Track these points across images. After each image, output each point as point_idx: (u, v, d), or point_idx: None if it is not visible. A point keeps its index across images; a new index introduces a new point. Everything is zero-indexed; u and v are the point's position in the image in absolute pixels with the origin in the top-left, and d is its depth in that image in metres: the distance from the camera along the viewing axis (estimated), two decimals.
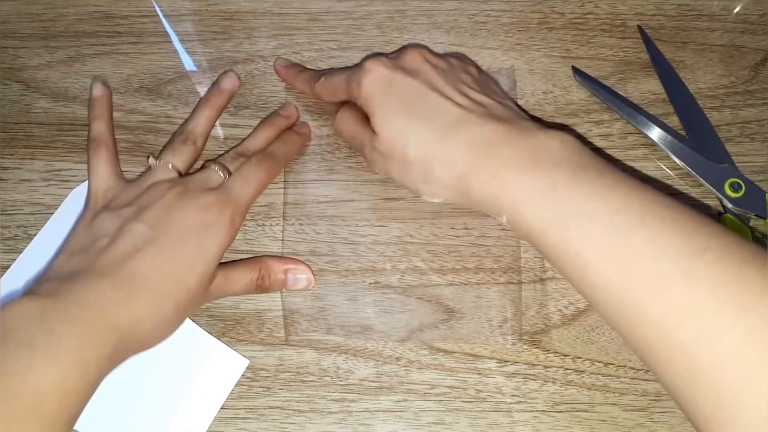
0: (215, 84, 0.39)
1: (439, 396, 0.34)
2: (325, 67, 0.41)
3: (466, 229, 0.37)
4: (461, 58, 0.36)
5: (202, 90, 0.40)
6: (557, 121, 0.39)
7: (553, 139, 0.29)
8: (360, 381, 0.34)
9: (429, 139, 0.31)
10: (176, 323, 0.32)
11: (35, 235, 0.37)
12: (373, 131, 0.32)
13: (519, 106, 0.34)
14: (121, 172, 0.37)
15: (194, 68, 0.41)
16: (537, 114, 0.39)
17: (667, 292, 0.25)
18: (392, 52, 0.35)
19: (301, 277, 0.36)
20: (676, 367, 0.25)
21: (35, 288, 0.30)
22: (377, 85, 0.32)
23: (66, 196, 0.38)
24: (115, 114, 0.40)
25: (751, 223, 0.36)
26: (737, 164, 0.37)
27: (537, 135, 0.30)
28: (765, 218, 0.36)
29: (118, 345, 0.29)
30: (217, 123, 0.39)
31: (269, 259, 0.36)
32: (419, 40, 0.41)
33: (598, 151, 0.38)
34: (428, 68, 0.33)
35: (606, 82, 0.40)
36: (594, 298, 0.28)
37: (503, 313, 0.35)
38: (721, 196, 0.36)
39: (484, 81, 0.35)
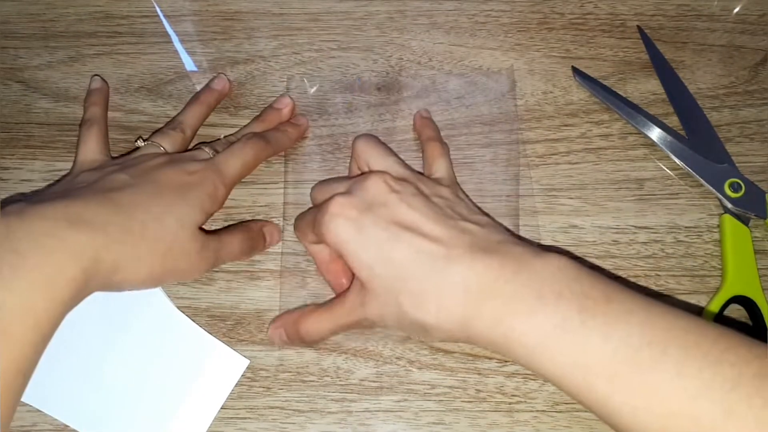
0: (207, 84, 0.40)
1: (439, 396, 0.34)
2: (325, 67, 0.41)
3: None
4: (434, 182, 0.33)
5: None
6: (557, 121, 0.39)
7: (550, 266, 0.27)
8: (360, 381, 0.34)
9: (418, 287, 0.28)
10: (155, 267, 0.30)
11: None
12: (355, 294, 0.30)
13: (493, 220, 0.32)
14: (109, 151, 0.37)
15: (194, 68, 0.41)
16: (537, 114, 0.39)
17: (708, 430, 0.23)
18: (352, 179, 0.32)
19: (272, 230, 0.37)
20: None
21: (1, 211, 0.28)
22: (346, 231, 0.29)
23: None
24: (115, 114, 0.40)
25: (751, 224, 0.36)
26: (737, 164, 0.37)
27: (532, 264, 0.28)
28: (765, 218, 0.36)
29: (91, 266, 0.27)
30: (218, 123, 0.39)
31: (248, 222, 0.37)
32: (419, 40, 0.41)
33: (602, 151, 0.38)
34: (395, 199, 0.30)
35: (606, 83, 0.40)
36: None
37: None
38: (720, 196, 0.36)
39: (459, 201, 0.32)
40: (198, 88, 0.40)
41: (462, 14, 0.42)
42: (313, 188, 0.35)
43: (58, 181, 0.37)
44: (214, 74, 0.40)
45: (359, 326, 0.31)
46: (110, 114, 0.40)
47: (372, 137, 0.35)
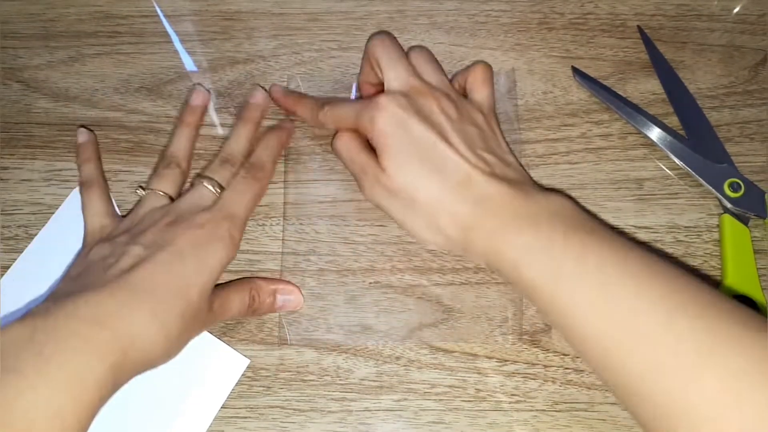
0: (185, 103, 0.39)
1: (439, 395, 0.34)
2: (325, 67, 0.41)
3: None
4: (473, 106, 0.36)
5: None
6: (556, 121, 0.39)
7: (552, 202, 0.32)
8: (360, 380, 0.34)
9: (439, 189, 0.32)
10: (181, 340, 0.30)
11: (36, 235, 0.37)
12: (380, 166, 0.33)
13: (518, 161, 0.35)
14: (115, 210, 0.37)
15: (194, 68, 0.41)
16: (537, 114, 0.39)
17: (650, 344, 0.27)
18: (409, 79, 0.34)
19: (289, 297, 0.35)
20: (656, 414, 0.26)
21: (29, 311, 0.28)
22: (391, 124, 0.33)
23: (66, 196, 0.38)
24: (115, 114, 0.40)
25: (750, 223, 0.36)
26: (736, 164, 0.37)
27: (537, 198, 0.32)
28: (764, 218, 0.36)
29: (118, 360, 0.27)
30: (217, 123, 0.40)
31: (259, 279, 0.35)
32: (419, 40, 0.41)
33: (602, 151, 0.38)
34: (442, 119, 0.33)
35: (606, 83, 0.40)
36: (582, 349, 0.29)
37: (503, 313, 0.35)
38: (720, 196, 0.37)
39: (491, 134, 0.35)
40: (198, 88, 0.40)
41: (462, 14, 0.42)
42: (325, 110, 0.36)
43: (75, 258, 0.36)
44: (220, 72, 0.40)
45: (363, 187, 0.35)
46: (111, 114, 0.40)
47: (388, 38, 0.36)
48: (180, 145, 0.37)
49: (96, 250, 0.32)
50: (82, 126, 0.39)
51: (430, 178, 0.32)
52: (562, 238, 0.30)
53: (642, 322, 0.27)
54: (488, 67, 0.37)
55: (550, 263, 0.29)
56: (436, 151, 0.32)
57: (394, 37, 0.37)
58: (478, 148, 0.33)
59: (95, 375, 0.26)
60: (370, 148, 0.34)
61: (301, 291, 0.36)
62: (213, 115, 0.40)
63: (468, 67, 0.37)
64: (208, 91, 0.39)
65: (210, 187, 0.35)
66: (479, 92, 0.36)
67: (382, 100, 0.33)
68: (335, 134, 0.36)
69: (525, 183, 0.33)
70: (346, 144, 0.35)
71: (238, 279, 0.35)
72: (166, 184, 0.36)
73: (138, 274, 0.29)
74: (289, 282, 0.36)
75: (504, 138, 0.36)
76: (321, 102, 0.37)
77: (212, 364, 0.34)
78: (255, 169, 0.36)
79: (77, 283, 0.30)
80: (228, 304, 0.33)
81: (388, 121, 0.33)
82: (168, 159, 0.37)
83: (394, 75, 0.34)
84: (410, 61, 0.36)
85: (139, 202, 0.35)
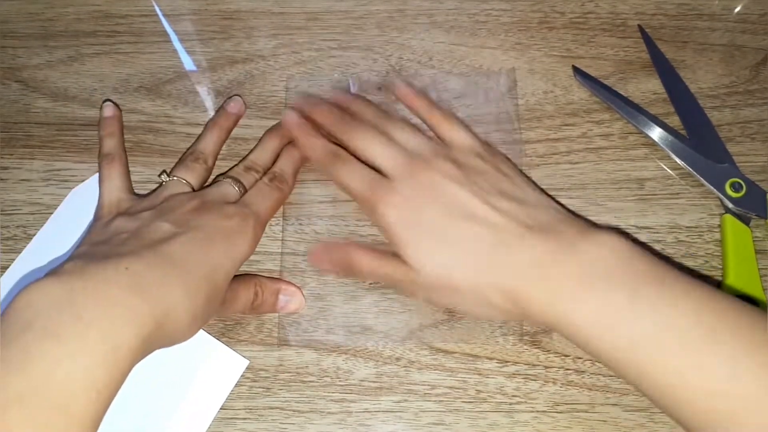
0: (222, 107, 0.39)
1: (440, 396, 0.34)
2: (324, 66, 0.41)
3: None
4: (467, 152, 0.33)
5: (201, 90, 0.40)
6: (557, 121, 0.39)
7: (603, 248, 0.28)
8: (360, 381, 0.34)
9: (473, 267, 0.30)
10: (202, 321, 0.30)
11: (35, 235, 0.37)
12: (405, 263, 0.31)
13: (543, 191, 0.32)
14: (133, 188, 0.36)
15: (194, 68, 0.41)
16: (537, 114, 0.39)
17: (758, 412, 0.24)
18: (396, 162, 0.33)
19: (291, 299, 0.35)
20: None
21: (58, 269, 0.27)
22: (398, 216, 0.31)
23: (65, 196, 0.38)
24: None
25: (752, 223, 0.36)
26: (738, 164, 0.37)
27: (583, 246, 0.28)
28: (766, 218, 0.36)
29: (151, 333, 0.26)
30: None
31: (263, 277, 0.35)
32: (419, 39, 0.41)
33: (603, 151, 0.38)
34: (450, 189, 0.31)
35: (606, 82, 0.40)
36: (676, 413, 0.27)
37: None
38: (721, 195, 0.36)
39: (500, 175, 0.33)
40: (197, 87, 0.40)
41: (462, 13, 0.42)
42: (335, 171, 0.34)
43: (90, 225, 0.36)
44: (220, 71, 0.40)
45: (404, 291, 0.33)
46: None
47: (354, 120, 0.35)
48: (209, 143, 0.37)
49: (119, 222, 0.32)
50: (108, 100, 0.39)
51: (459, 258, 0.30)
52: (626, 297, 0.27)
53: (741, 391, 0.25)
54: (440, 110, 0.36)
55: (621, 330, 0.27)
56: (455, 226, 0.30)
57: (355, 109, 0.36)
58: (500, 200, 0.31)
59: (130, 345, 0.25)
60: (385, 253, 0.33)
61: (303, 293, 0.36)
62: (212, 115, 0.40)
63: (425, 118, 0.36)
64: (245, 103, 0.39)
65: (234, 186, 0.35)
66: (456, 134, 0.35)
67: (386, 197, 0.31)
68: (351, 256, 0.33)
69: (560, 224, 0.30)
70: (367, 261, 0.33)
71: (242, 274, 0.35)
72: (192, 176, 0.35)
73: (172, 247, 0.29)
74: (291, 283, 0.36)
75: (514, 167, 0.34)
76: (333, 150, 0.35)
77: (212, 365, 0.34)
78: (278, 179, 0.36)
79: (104, 248, 0.29)
80: (235, 298, 0.33)
81: (393, 212, 0.31)
82: (196, 153, 0.37)
83: (381, 158, 0.33)
84: (384, 131, 0.34)
85: (161, 186, 0.35)
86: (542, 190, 0.32)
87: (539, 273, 0.28)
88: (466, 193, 0.31)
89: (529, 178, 0.33)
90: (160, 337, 0.27)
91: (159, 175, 0.36)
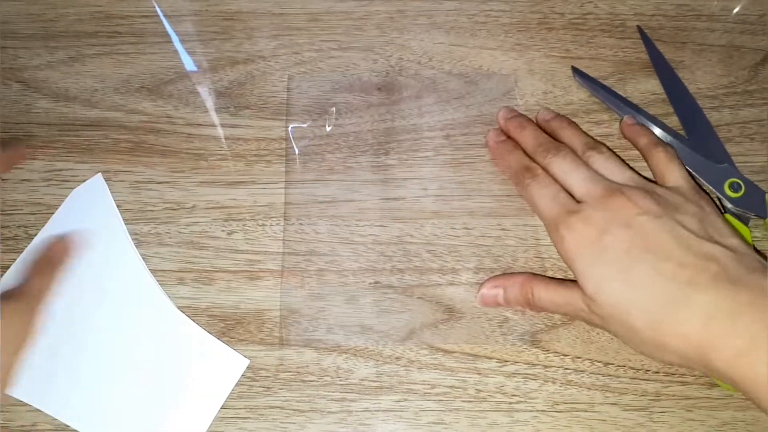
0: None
1: (439, 396, 0.34)
2: (324, 66, 0.41)
3: (466, 229, 0.37)
4: (672, 192, 0.31)
5: (202, 90, 0.40)
6: None
7: None
8: (360, 381, 0.34)
9: (654, 309, 0.28)
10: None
11: (35, 235, 0.37)
12: (582, 290, 0.30)
13: (742, 240, 0.30)
14: None
15: (194, 68, 0.41)
16: (537, 114, 0.39)
17: None
18: (593, 189, 0.31)
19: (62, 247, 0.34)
20: None
21: None
22: (583, 246, 0.30)
23: (66, 196, 0.38)
24: (115, 114, 0.40)
25: (751, 223, 0.36)
26: (737, 164, 0.37)
27: None
28: (765, 218, 0.36)
29: None
30: (217, 123, 0.40)
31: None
32: (419, 40, 0.41)
33: None
34: (642, 221, 0.29)
35: (606, 83, 0.40)
36: None
37: (503, 313, 0.35)
38: (720, 195, 0.36)
39: (705, 217, 0.30)
40: (198, 88, 0.40)
41: (462, 14, 0.42)
42: (524, 187, 0.34)
43: None
44: (221, 72, 0.40)
45: (584, 320, 0.32)
46: (111, 114, 0.40)
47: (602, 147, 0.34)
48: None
49: None
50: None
51: (641, 298, 0.28)
52: None
53: None
54: (667, 148, 0.34)
55: None
56: (642, 265, 0.28)
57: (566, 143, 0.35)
58: (697, 242, 0.28)
59: None
60: (558, 282, 0.32)
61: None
62: (213, 116, 0.40)
63: (646, 151, 0.35)
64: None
65: None
66: (671, 174, 0.33)
67: (572, 218, 0.30)
68: (526, 289, 0.33)
69: (763, 279, 0.27)
70: (545, 292, 0.32)
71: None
72: None
73: None
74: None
75: (721, 216, 0.31)
76: (526, 165, 0.35)
77: (212, 364, 0.34)
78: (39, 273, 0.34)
79: None
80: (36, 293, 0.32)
81: (579, 242, 0.30)
82: None
83: (577, 186, 0.32)
84: (588, 160, 0.33)
85: None
86: (743, 239, 0.30)
87: (729, 326, 0.26)
88: (659, 228, 0.29)
89: (732, 226, 0.31)
90: None
91: None
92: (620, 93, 0.39)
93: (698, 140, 0.38)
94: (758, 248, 0.36)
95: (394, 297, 0.36)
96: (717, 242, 0.29)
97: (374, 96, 0.40)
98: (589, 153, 0.34)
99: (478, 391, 0.34)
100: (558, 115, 0.38)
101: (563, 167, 0.33)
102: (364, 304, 0.36)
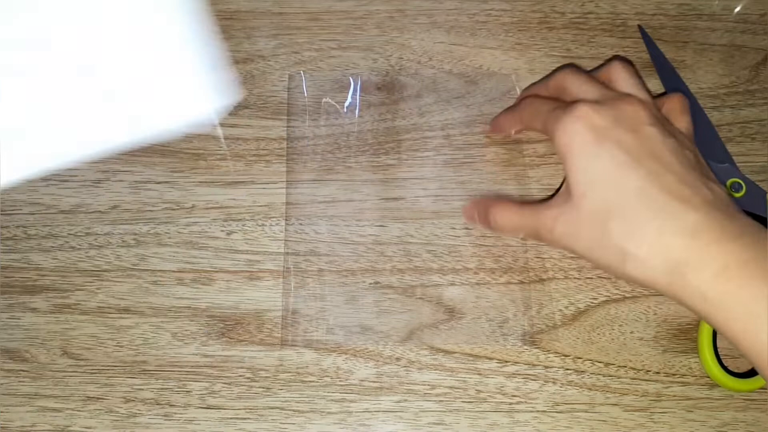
0: None
1: (440, 396, 0.34)
2: (324, 66, 0.41)
3: (466, 229, 0.37)
4: (679, 131, 0.31)
5: None
6: None
7: None
8: (360, 381, 0.34)
9: (640, 217, 0.27)
10: None
11: (35, 235, 0.37)
12: (565, 191, 0.29)
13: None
14: None
15: None
16: None
17: None
18: (611, 92, 0.31)
19: None
20: None
21: None
22: (586, 136, 0.28)
23: (66, 196, 0.38)
24: None
25: None
26: (738, 164, 0.37)
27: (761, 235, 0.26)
28: (765, 218, 0.36)
29: None
30: (217, 123, 0.39)
31: None
32: (419, 39, 0.41)
33: None
34: (650, 131, 0.28)
35: None
36: None
37: (503, 314, 0.35)
38: None
39: (704, 162, 0.30)
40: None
41: (462, 13, 0.42)
42: (560, 73, 0.33)
43: None
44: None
45: (540, 237, 0.31)
46: None
47: (631, 66, 0.33)
48: None
49: None
50: None
51: (630, 201, 0.27)
52: None
53: None
54: (684, 98, 0.33)
55: None
56: (641, 167, 0.27)
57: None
58: (696, 171, 0.28)
59: None
60: (527, 203, 0.32)
61: None
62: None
63: (661, 97, 0.34)
64: None
65: None
66: (680, 121, 0.32)
67: (581, 107, 0.29)
68: (489, 210, 0.33)
69: (751, 225, 0.27)
70: (507, 213, 0.32)
71: None
72: None
73: None
74: None
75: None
76: (522, 102, 0.35)
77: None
78: None
79: None
80: None
81: (583, 131, 0.28)
82: None
83: (589, 89, 0.31)
84: (609, 76, 0.32)
85: None
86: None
87: (717, 244, 0.26)
88: (667, 145, 0.28)
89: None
90: None
91: None
92: None
93: (699, 140, 0.37)
94: None
95: (394, 297, 0.36)
96: (712, 180, 0.29)
97: (374, 95, 0.40)
98: (610, 65, 0.33)
99: (479, 391, 0.34)
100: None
101: (575, 82, 0.32)
102: (364, 304, 0.36)
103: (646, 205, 0.27)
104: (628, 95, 0.30)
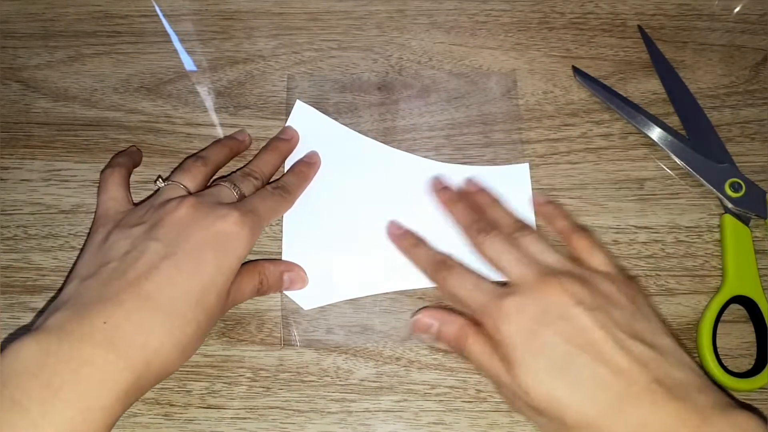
0: (232, 134, 0.39)
1: (439, 396, 0.34)
2: (324, 66, 0.41)
3: None
4: (602, 277, 0.31)
5: (201, 90, 0.40)
6: (557, 121, 0.39)
7: (737, 429, 0.25)
8: (360, 381, 0.34)
9: (591, 411, 0.27)
10: (197, 344, 0.30)
11: (35, 235, 0.37)
12: (516, 379, 0.28)
13: (672, 340, 0.29)
14: (131, 200, 0.35)
15: (194, 68, 0.41)
16: (537, 114, 0.39)
17: None
18: (525, 275, 0.30)
19: (295, 276, 0.35)
20: None
21: (43, 321, 0.27)
22: (519, 336, 0.28)
23: (66, 196, 0.38)
24: (114, 114, 0.40)
25: (751, 223, 0.36)
26: (737, 164, 0.37)
27: (717, 423, 0.25)
28: (765, 218, 0.36)
29: (133, 382, 0.26)
30: (217, 123, 0.39)
31: (265, 262, 0.35)
32: (419, 39, 0.41)
33: (603, 151, 0.38)
34: (577, 313, 0.28)
35: (606, 82, 0.40)
36: None
37: None
38: (721, 195, 0.36)
39: (634, 308, 0.30)
40: (198, 87, 0.40)
41: (462, 14, 0.42)
42: (446, 283, 0.32)
43: (86, 239, 0.35)
44: (220, 71, 0.40)
45: (504, 397, 0.31)
46: (110, 114, 0.40)
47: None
48: (213, 151, 0.37)
49: (112, 239, 0.31)
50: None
51: (577, 398, 0.27)
52: None
53: None
54: (588, 233, 0.33)
55: None
56: (578, 362, 0.27)
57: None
58: (632, 343, 0.28)
59: (104, 404, 0.26)
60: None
61: (304, 271, 0.36)
62: (212, 115, 0.40)
63: (569, 235, 0.34)
64: (249, 135, 0.39)
65: (232, 190, 0.33)
66: (597, 260, 0.32)
67: (506, 305, 0.29)
68: (464, 337, 0.31)
69: (694, 391, 0.27)
70: (477, 351, 0.30)
71: (246, 263, 0.34)
72: (189, 179, 0.34)
73: (156, 281, 0.28)
74: (294, 264, 0.36)
75: (651, 307, 0.31)
76: (438, 259, 0.33)
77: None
78: (281, 188, 0.35)
79: (91, 286, 0.29)
80: (241, 290, 0.33)
81: (515, 331, 0.28)
82: (195, 157, 0.36)
83: (509, 269, 0.31)
84: (518, 242, 0.32)
85: (157, 192, 0.34)
86: (677, 341, 0.29)
87: None
88: (594, 323, 0.28)
89: (665, 324, 0.30)
90: (146, 380, 0.28)
91: (154, 181, 0.35)
92: (621, 93, 0.39)
93: (699, 140, 0.38)
94: (758, 249, 0.36)
95: (393, 297, 0.36)
96: (654, 345, 0.28)
97: (374, 96, 0.40)
98: (518, 234, 0.33)
99: (479, 391, 0.34)
100: (483, 190, 0.37)
101: (496, 248, 0.32)
102: (364, 304, 0.36)
103: (592, 401, 0.27)
104: (545, 278, 0.30)
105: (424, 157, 0.38)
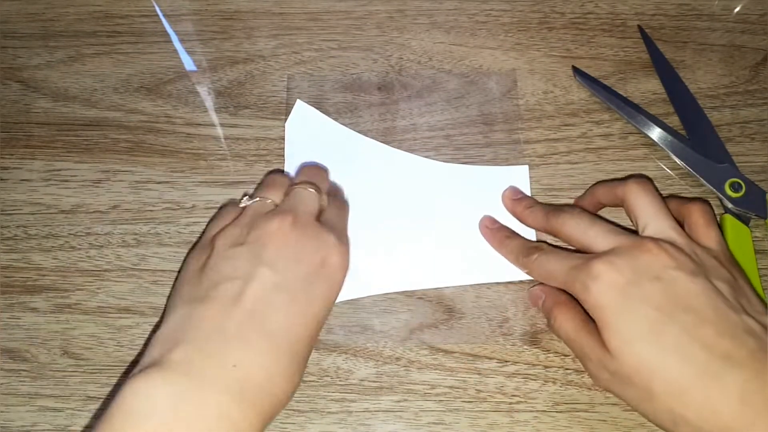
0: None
1: (439, 396, 0.34)
2: (325, 66, 0.41)
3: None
4: (708, 254, 0.29)
5: (202, 90, 0.40)
6: (557, 121, 0.39)
7: None
8: (360, 381, 0.34)
9: (684, 378, 0.25)
10: (301, 376, 0.29)
11: (35, 235, 0.37)
12: (604, 345, 0.28)
13: None
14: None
15: (194, 68, 0.41)
16: (537, 114, 0.39)
17: None
18: (625, 238, 0.29)
19: None
20: None
21: (167, 360, 0.26)
22: (610, 296, 0.27)
23: (66, 196, 0.38)
24: (114, 114, 0.40)
25: (751, 223, 0.36)
26: (737, 164, 0.37)
27: None
28: (765, 218, 0.36)
29: (259, 428, 0.26)
30: (217, 123, 0.39)
31: None
32: (419, 39, 0.41)
33: (602, 151, 0.38)
34: (675, 276, 0.27)
35: (606, 82, 0.40)
36: None
37: (503, 314, 0.35)
38: (721, 195, 0.36)
39: (738, 288, 0.28)
40: (198, 87, 0.40)
41: (462, 13, 0.42)
42: (535, 260, 0.32)
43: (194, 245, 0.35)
44: (220, 71, 0.40)
45: (589, 371, 0.30)
46: (110, 114, 0.40)
47: (648, 184, 0.31)
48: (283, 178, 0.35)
49: (215, 260, 0.30)
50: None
51: (670, 364, 0.26)
52: None
53: None
54: (706, 207, 0.31)
55: None
56: (674, 325, 0.26)
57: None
58: (735, 314, 0.26)
59: None
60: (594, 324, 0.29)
61: None
62: (212, 115, 0.40)
63: (683, 205, 0.32)
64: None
65: (312, 189, 0.32)
66: (707, 237, 0.30)
67: (597, 265, 0.28)
68: (553, 310, 0.31)
69: None
70: (565, 324, 0.30)
71: None
72: (275, 193, 0.33)
73: (275, 319, 0.28)
74: None
75: (751, 288, 0.29)
76: (531, 245, 0.33)
77: (495, 186, 0.38)
78: (345, 206, 0.36)
79: (209, 316, 0.27)
80: None
81: (605, 292, 0.27)
82: (276, 175, 0.35)
83: (599, 237, 0.30)
84: (627, 200, 0.31)
85: (244, 210, 0.33)
86: None
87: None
88: (695, 287, 0.27)
89: (763, 300, 0.28)
90: (267, 423, 0.27)
91: (240, 199, 0.34)
92: (621, 93, 0.39)
93: (699, 140, 0.38)
94: (758, 249, 0.36)
95: (394, 297, 0.36)
96: (750, 314, 0.27)
97: (374, 96, 0.40)
98: (629, 193, 0.31)
99: (479, 391, 0.34)
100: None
101: (581, 224, 0.31)
102: (364, 304, 0.36)
103: (686, 365, 0.26)
104: (642, 240, 0.29)
105: (424, 157, 0.38)
